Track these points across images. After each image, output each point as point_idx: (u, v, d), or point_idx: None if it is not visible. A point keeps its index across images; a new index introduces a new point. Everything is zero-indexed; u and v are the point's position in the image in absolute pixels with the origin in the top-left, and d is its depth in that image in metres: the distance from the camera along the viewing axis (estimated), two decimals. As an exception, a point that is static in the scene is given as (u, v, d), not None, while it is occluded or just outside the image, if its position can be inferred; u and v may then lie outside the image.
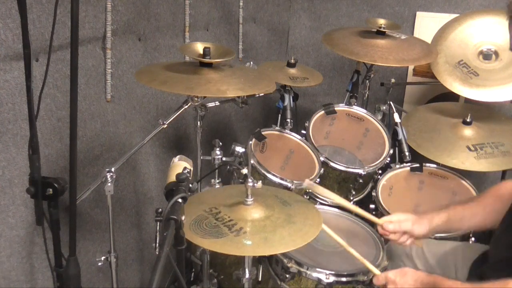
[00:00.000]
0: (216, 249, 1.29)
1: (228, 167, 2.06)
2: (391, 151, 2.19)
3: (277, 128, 2.21)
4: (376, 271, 1.48)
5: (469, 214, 1.55)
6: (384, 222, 1.56)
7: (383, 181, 2.09)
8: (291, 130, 2.22)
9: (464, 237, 1.86)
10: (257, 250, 1.31)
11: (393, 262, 1.68)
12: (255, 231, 1.35)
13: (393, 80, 2.54)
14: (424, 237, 1.59)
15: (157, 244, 1.33)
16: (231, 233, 1.32)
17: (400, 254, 1.71)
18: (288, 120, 2.24)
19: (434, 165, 2.15)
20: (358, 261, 1.57)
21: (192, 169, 1.34)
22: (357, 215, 1.78)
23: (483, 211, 1.54)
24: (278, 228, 1.37)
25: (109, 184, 1.53)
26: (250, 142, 2.02)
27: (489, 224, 1.53)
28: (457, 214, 1.56)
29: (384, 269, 1.64)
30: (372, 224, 1.89)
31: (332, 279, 1.54)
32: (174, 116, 1.72)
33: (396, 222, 1.55)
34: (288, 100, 2.27)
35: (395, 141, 2.18)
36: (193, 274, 2.04)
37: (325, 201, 2.17)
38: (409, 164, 2.14)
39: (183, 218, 1.11)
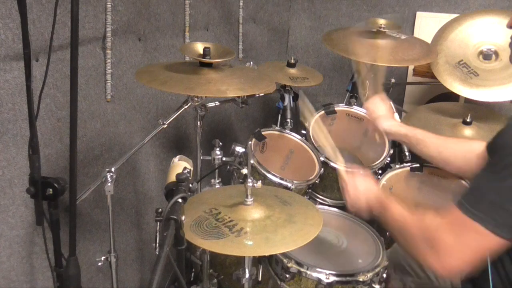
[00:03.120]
0: (217, 250, 1.29)
1: (228, 167, 2.06)
2: (391, 151, 2.19)
3: (277, 128, 2.21)
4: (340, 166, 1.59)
5: (443, 146, 1.65)
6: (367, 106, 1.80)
7: (383, 181, 2.09)
8: (291, 130, 2.22)
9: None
10: (259, 250, 1.31)
11: (399, 268, 1.67)
12: (255, 231, 1.35)
13: (393, 80, 2.53)
14: (386, 133, 1.81)
15: (157, 244, 1.33)
16: (231, 234, 1.32)
17: (407, 259, 1.70)
18: (288, 120, 2.24)
19: (434, 165, 2.14)
20: (358, 259, 1.58)
21: (192, 169, 1.34)
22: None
23: (457, 152, 1.62)
24: (279, 228, 1.37)
25: (109, 184, 1.53)
26: (250, 142, 2.02)
27: (458, 170, 1.64)
28: (433, 143, 1.66)
29: (384, 269, 1.65)
30: (372, 224, 1.89)
31: (332, 279, 1.54)
32: (174, 116, 1.72)
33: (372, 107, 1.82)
34: (288, 100, 2.27)
35: (395, 141, 2.18)
36: (193, 274, 2.04)
37: (325, 201, 2.17)
38: (409, 164, 2.14)
39: (183, 218, 1.11)
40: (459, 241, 1.11)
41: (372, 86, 1.89)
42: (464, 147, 1.60)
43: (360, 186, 1.45)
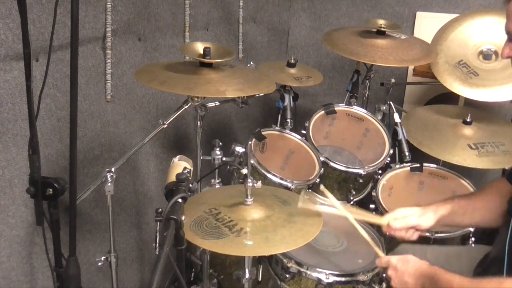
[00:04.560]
0: (217, 250, 1.30)
1: (228, 167, 2.06)
2: (391, 151, 2.19)
3: (277, 128, 2.21)
4: (380, 253, 1.49)
5: (471, 208, 1.54)
6: (389, 220, 1.54)
7: (383, 181, 2.09)
8: (291, 130, 2.22)
9: (465, 237, 1.86)
10: (258, 250, 1.31)
11: None
12: (255, 231, 1.35)
13: (393, 80, 2.53)
14: (430, 229, 1.59)
15: (157, 244, 1.33)
16: (231, 234, 1.32)
17: None
18: (288, 120, 2.24)
19: (434, 165, 2.15)
20: (358, 259, 1.58)
21: (192, 169, 1.35)
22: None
23: (485, 207, 1.53)
24: (279, 228, 1.37)
25: (109, 184, 1.53)
26: (250, 142, 2.02)
27: (489, 221, 1.52)
28: (461, 207, 1.55)
29: (384, 269, 1.64)
30: (372, 225, 1.89)
31: (332, 279, 1.54)
32: (174, 116, 1.72)
33: (401, 219, 1.53)
34: (288, 100, 2.27)
35: (395, 141, 2.18)
36: (193, 274, 2.04)
37: (325, 201, 2.17)
38: (409, 164, 2.14)
39: (183, 218, 1.11)
40: None
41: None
42: (490, 198, 1.54)
43: (403, 268, 1.36)
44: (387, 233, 1.57)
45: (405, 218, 1.53)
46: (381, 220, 1.57)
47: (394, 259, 1.39)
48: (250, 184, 1.41)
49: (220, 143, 2.02)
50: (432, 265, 1.34)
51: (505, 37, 1.34)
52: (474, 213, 1.54)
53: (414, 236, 1.55)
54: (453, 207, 1.54)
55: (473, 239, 1.85)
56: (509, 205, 1.42)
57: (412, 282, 1.33)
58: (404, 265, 1.37)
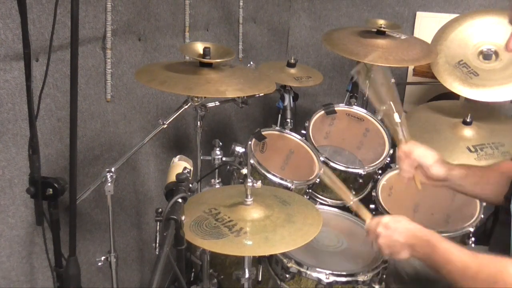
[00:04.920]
0: (216, 250, 1.29)
1: (228, 167, 2.06)
2: (391, 151, 2.19)
3: (277, 128, 2.21)
4: (368, 214, 1.45)
5: (485, 181, 1.52)
6: (405, 153, 1.55)
7: (383, 181, 2.09)
8: (291, 130, 2.22)
9: (464, 237, 1.86)
10: (258, 250, 1.31)
11: (395, 274, 1.67)
12: (255, 231, 1.35)
13: (393, 80, 2.53)
14: (436, 181, 1.53)
15: (157, 244, 1.33)
16: (231, 234, 1.32)
17: (403, 266, 1.68)
18: (288, 120, 2.24)
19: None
20: (358, 259, 1.58)
21: (192, 169, 1.35)
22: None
23: (498, 182, 1.50)
24: (278, 227, 1.37)
25: (109, 184, 1.53)
26: (250, 142, 2.01)
27: (491, 196, 1.52)
28: (475, 176, 1.53)
29: (384, 269, 1.65)
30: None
31: (332, 279, 1.54)
32: (174, 116, 1.72)
33: (417, 156, 1.53)
34: (288, 100, 2.27)
35: (395, 141, 2.18)
36: (193, 274, 2.04)
37: (325, 201, 2.17)
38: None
39: (183, 218, 1.11)
40: None
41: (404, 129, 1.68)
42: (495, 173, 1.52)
43: (393, 226, 1.29)
44: (399, 160, 1.56)
45: (420, 157, 1.52)
46: (401, 143, 1.59)
47: (385, 218, 1.33)
48: (250, 184, 1.41)
49: (220, 143, 2.02)
50: (426, 229, 1.27)
51: (509, 29, 1.31)
52: (486, 185, 1.51)
53: (417, 179, 1.53)
54: (468, 173, 1.52)
55: (473, 239, 1.85)
56: (506, 202, 1.41)
57: (402, 241, 1.26)
58: (395, 224, 1.30)
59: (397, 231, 1.28)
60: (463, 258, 1.16)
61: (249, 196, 1.43)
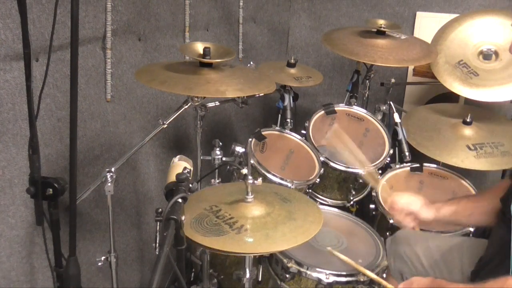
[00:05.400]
0: (217, 247, 1.29)
1: (228, 167, 2.06)
2: (391, 151, 2.19)
3: (277, 128, 2.21)
4: (389, 286, 1.46)
5: (478, 212, 1.54)
6: (391, 202, 1.58)
7: (383, 181, 2.09)
8: (291, 130, 2.22)
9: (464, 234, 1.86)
10: (259, 248, 1.30)
11: (397, 258, 1.67)
12: (256, 228, 1.35)
13: (393, 80, 2.54)
14: (427, 224, 1.59)
15: (157, 244, 1.33)
16: (232, 231, 1.32)
17: (405, 250, 1.69)
18: (288, 120, 2.24)
19: (434, 165, 2.15)
20: (358, 259, 1.58)
21: (192, 169, 1.35)
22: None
23: (486, 208, 1.53)
24: (279, 225, 1.37)
25: (109, 184, 1.53)
26: (250, 142, 2.02)
27: (490, 221, 1.52)
28: (467, 209, 1.56)
29: (383, 270, 1.65)
30: (372, 224, 1.89)
31: (332, 279, 1.54)
32: (174, 116, 1.72)
33: (403, 204, 1.57)
34: (288, 100, 2.27)
35: (395, 141, 2.19)
36: (193, 274, 2.04)
37: (325, 201, 2.17)
38: (409, 164, 2.14)
39: (183, 218, 1.11)
40: None
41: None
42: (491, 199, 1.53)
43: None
44: (389, 211, 1.61)
45: (407, 204, 1.56)
46: (389, 195, 1.62)
47: (400, 285, 1.37)
48: (251, 181, 1.41)
49: (220, 143, 2.02)
50: (436, 279, 1.33)
51: (510, 29, 1.33)
52: (481, 215, 1.54)
53: (411, 224, 1.57)
54: (458, 209, 1.55)
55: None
56: (502, 204, 1.42)
57: None
58: (409, 286, 1.35)
59: (412, 284, 1.33)
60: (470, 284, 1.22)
61: (249, 194, 1.43)
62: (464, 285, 1.27)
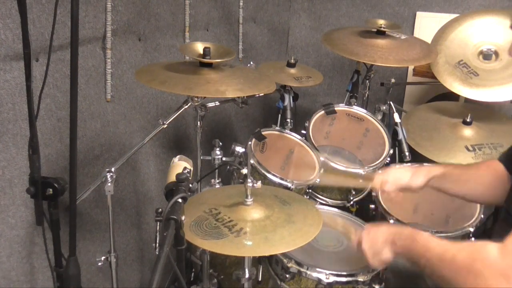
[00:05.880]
0: (216, 250, 1.29)
1: (228, 167, 2.06)
2: (391, 151, 2.19)
3: (277, 128, 2.21)
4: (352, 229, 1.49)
5: (464, 178, 1.54)
6: (381, 183, 1.57)
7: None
8: (291, 130, 2.22)
9: (464, 238, 1.86)
10: (258, 250, 1.31)
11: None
12: (255, 231, 1.35)
13: (393, 80, 2.54)
14: (420, 189, 1.56)
15: (157, 244, 1.33)
16: (231, 234, 1.32)
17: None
18: (288, 120, 2.24)
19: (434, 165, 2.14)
20: (356, 256, 1.57)
21: (192, 169, 1.34)
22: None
23: (477, 180, 1.53)
24: (278, 228, 1.37)
25: (109, 184, 1.53)
26: (250, 142, 2.01)
27: (480, 195, 1.53)
28: (455, 174, 1.56)
29: (384, 269, 1.64)
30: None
31: (332, 279, 1.54)
32: (174, 116, 1.72)
33: (392, 182, 1.56)
34: (288, 100, 2.27)
35: (395, 141, 2.18)
36: (193, 274, 2.04)
37: (325, 201, 2.17)
38: (409, 164, 2.14)
39: (183, 218, 1.11)
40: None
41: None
42: (484, 173, 1.52)
43: (375, 229, 1.35)
44: (382, 195, 1.62)
45: (396, 180, 1.56)
46: (374, 183, 1.60)
47: (367, 225, 1.40)
48: (250, 184, 1.41)
49: (220, 143, 2.02)
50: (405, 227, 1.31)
51: (509, 30, 1.32)
52: (466, 183, 1.54)
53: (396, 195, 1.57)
54: (446, 172, 1.55)
55: (473, 239, 1.85)
56: (507, 205, 1.41)
57: (382, 239, 1.30)
58: (376, 227, 1.36)
59: (378, 232, 1.33)
60: (442, 243, 1.14)
61: (249, 196, 1.43)
62: (436, 237, 1.18)
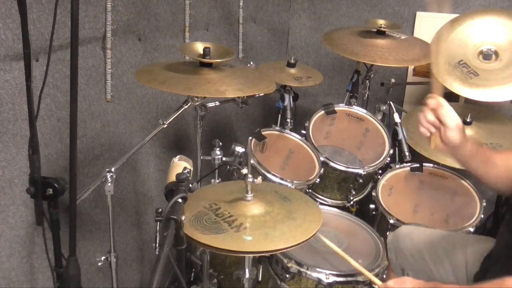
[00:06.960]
0: (216, 245, 1.29)
1: (228, 167, 2.06)
2: (391, 151, 2.19)
3: (277, 128, 2.21)
4: (377, 281, 1.45)
5: (492, 162, 1.47)
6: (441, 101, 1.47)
7: (383, 181, 2.09)
8: (291, 130, 2.22)
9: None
10: (258, 246, 1.30)
11: (399, 253, 1.66)
12: (255, 226, 1.35)
13: (393, 80, 2.54)
14: (447, 146, 1.47)
15: (157, 244, 1.33)
16: (231, 229, 1.32)
17: (407, 245, 1.67)
18: (288, 120, 2.24)
19: (434, 165, 2.15)
20: (358, 259, 1.57)
21: (192, 169, 1.34)
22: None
23: (505, 167, 1.46)
24: (278, 224, 1.37)
25: (109, 184, 1.53)
26: (250, 142, 2.02)
27: (502, 183, 1.47)
28: (485, 156, 1.49)
29: (384, 270, 1.65)
30: (372, 224, 1.87)
31: (332, 279, 1.55)
32: (174, 116, 1.72)
33: (445, 111, 1.45)
34: (288, 100, 2.27)
35: (395, 141, 2.18)
36: (193, 274, 2.04)
37: (325, 201, 2.18)
38: (409, 164, 2.14)
39: (183, 218, 1.11)
40: None
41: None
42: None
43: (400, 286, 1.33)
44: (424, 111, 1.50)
45: (452, 114, 1.45)
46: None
47: (391, 283, 1.35)
48: (250, 180, 1.41)
49: (220, 143, 2.02)
50: (429, 282, 1.31)
51: (510, 30, 1.30)
52: (493, 167, 1.46)
53: (433, 139, 1.48)
54: (478, 153, 1.48)
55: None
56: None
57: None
58: (401, 284, 1.32)
59: (405, 283, 1.31)
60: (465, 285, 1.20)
61: (249, 192, 1.43)
62: (460, 286, 1.26)
